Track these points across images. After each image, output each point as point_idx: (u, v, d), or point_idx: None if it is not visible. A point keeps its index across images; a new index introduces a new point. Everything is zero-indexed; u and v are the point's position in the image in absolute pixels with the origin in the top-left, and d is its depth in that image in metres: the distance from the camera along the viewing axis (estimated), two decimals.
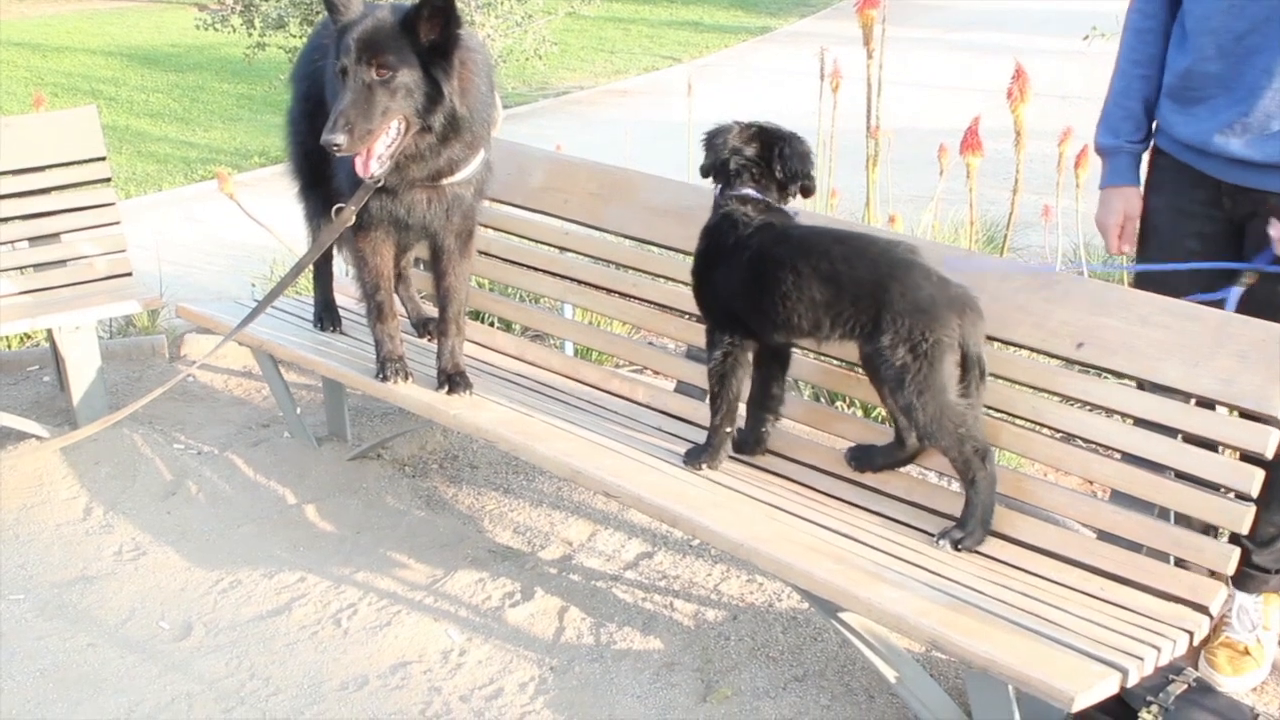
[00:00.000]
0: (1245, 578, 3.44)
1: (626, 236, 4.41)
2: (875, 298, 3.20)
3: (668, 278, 4.27)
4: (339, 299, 4.77)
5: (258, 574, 4.08)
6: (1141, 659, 2.73)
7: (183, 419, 5.12)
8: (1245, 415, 3.05)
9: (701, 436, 3.74)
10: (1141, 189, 3.54)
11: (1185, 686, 3.02)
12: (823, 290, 3.28)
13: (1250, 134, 3.18)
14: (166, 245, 7.41)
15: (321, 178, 4.22)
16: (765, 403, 3.68)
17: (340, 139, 3.49)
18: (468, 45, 3.69)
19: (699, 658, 3.65)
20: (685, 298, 4.17)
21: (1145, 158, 3.57)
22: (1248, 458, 3.00)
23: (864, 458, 3.55)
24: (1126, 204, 3.55)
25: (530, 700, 3.49)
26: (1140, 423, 3.18)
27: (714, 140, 3.52)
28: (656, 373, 4.66)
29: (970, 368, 3.20)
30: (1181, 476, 3.08)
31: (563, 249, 4.60)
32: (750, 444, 3.71)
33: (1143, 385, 3.21)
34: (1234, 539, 3.03)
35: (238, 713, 3.44)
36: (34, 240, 5.13)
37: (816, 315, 3.30)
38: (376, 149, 3.61)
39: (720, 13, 18.65)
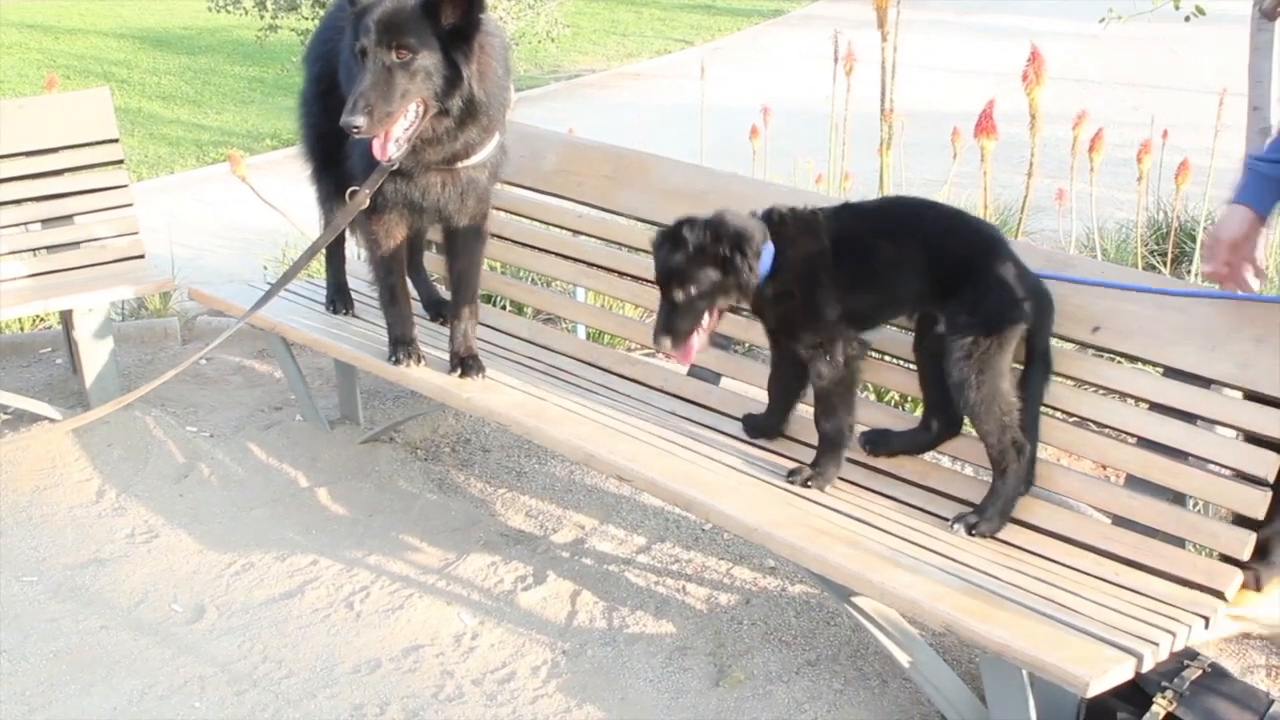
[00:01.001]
0: None
1: (639, 219, 4.39)
2: (966, 267, 3.20)
3: None
4: (351, 282, 4.76)
5: (270, 557, 4.08)
6: (1157, 644, 2.72)
7: (195, 402, 5.12)
8: (1262, 400, 3.02)
9: (714, 420, 3.74)
10: (1251, 212, 3.01)
11: (1200, 672, 3.00)
12: (924, 258, 3.26)
13: None
14: (178, 228, 7.41)
15: (335, 160, 4.21)
16: (797, 390, 3.64)
17: (360, 121, 3.47)
18: (485, 29, 3.68)
19: (711, 642, 3.64)
20: None
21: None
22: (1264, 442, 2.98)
23: (880, 441, 3.54)
24: (1229, 222, 3.05)
25: (543, 684, 3.49)
26: (1156, 407, 3.17)
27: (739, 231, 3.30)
28: (669, 356, 4.64)
29: (1035, 361, 3.21)
30: (1197, 461, 3.07)
31: (576, 232, 4.58)
32: (772, 429, 3.70)
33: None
34: None
35: (250, 695, 3.45)
36: (47, 222, 5.13)
37: (920, 284, 3.28)
38: (394, 131, 3.59)
39: None
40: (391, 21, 3.53)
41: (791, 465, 3.53)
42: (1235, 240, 3.03)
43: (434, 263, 4.82)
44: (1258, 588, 2.98)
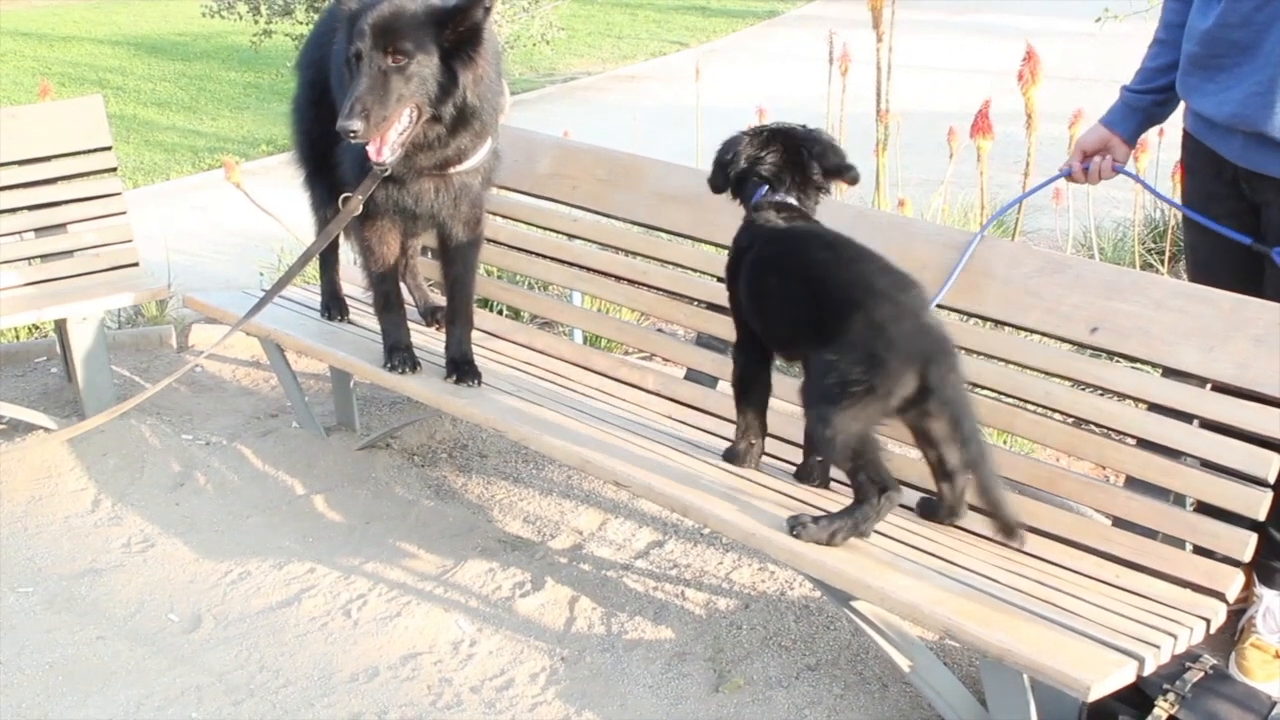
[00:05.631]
0: (1272, 573, 3.38)
1: (635, 223, 4.38)
2: (840, 318, 2.98)
3: (676, 264, 4.24)
4: (346, 288, 4.75)
5: (267, 565, 4.06)
6: (1158, 647, 2.71)
7: (190, 409, 5.10)
8: (1262, 400, 3.01)
9: (711, 424, 3.70)
10: (1110, 132, 3.55)
11: (1202, 674, 2.99)
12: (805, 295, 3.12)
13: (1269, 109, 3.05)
14: (174, 235, 7.38)
15: (327, 165, 4.19)
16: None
17: (357, 125, 3.45)
18: (483, 35, 3.66)
19: (711, 647, 3.63)
20: (694, 284, 4.15)
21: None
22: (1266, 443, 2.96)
23: (936, 510, 3.31)
24: (1089, 136, 3.59)
25: (541, 691, 3.47)
26: (1155, 408, 3.15)
27: (728, 153, 3.33)
28: (666, 360, 4.63)
29: (939, 413, 2.97)
30: (1198, 462, 3.05)
31: (571, 236, 4.57)
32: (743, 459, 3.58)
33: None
34: (1261, 536, 2.98)
35: (247, 705, 3.43)
36: (40, 231, 5.10)
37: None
38: (389, 136, 3.57)
39: None
40: (388, 26, 3.50)
41: (787, 470, 3.51)
42: (1087, 149, 3.57)
43: (429, 268, 4.80)
44: None
